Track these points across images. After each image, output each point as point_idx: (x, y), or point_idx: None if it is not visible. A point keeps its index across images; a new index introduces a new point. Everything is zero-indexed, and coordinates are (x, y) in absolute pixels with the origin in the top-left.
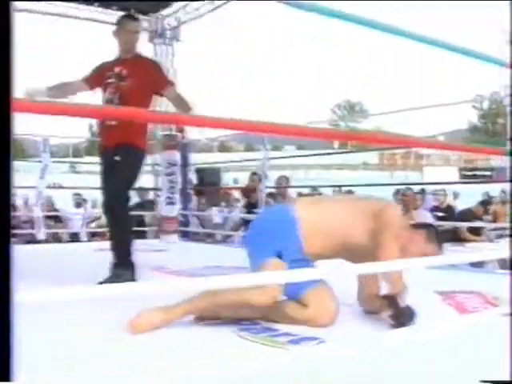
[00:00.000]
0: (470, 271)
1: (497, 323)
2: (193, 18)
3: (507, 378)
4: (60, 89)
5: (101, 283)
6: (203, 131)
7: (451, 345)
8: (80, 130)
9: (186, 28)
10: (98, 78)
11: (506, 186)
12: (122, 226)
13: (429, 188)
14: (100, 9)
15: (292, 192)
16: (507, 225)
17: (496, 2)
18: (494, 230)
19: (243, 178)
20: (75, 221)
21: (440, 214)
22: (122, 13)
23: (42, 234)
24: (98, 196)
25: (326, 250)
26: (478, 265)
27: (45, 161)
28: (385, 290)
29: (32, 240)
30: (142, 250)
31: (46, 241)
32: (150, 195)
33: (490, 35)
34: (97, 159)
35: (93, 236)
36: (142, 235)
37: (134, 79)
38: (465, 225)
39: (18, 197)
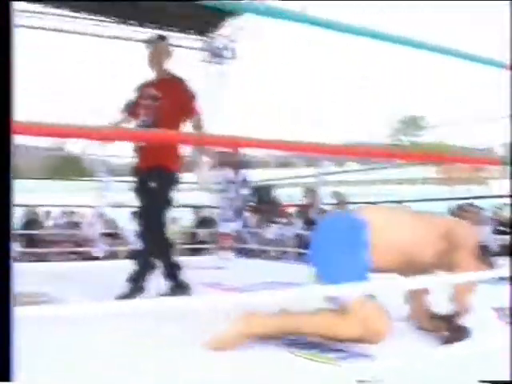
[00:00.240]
0: None
1: None
2: (247, 38)
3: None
4: None
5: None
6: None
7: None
8: None
9: (240, 47)
10: (135, 105)
11: None
12: (165, 250)
13: (487, 201)
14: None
15: (348, 208)
16: None
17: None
18: None
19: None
20: (133, 238)
21: (501, 228)
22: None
23: (100, 251)
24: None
25: (392, 264)
26: None
27: (105, 179)
28: (446, 307)
29: (90, 257)
30: (198, 267)
31: (104, 257)
32: (210, 212)
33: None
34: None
35: None
36: (199, 252)
37: (166, 100)
38: None
39: (79, 215)
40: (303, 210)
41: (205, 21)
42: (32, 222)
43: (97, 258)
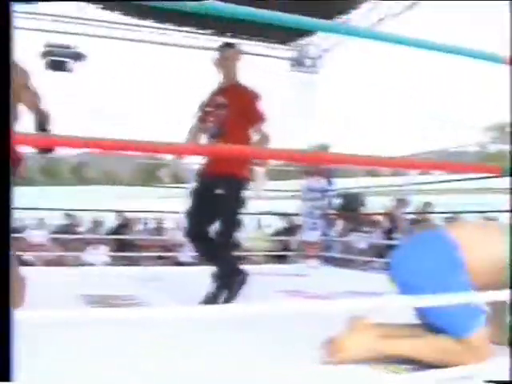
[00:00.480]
0: None
1: None
2: (334, 46)
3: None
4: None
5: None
6: None
7: None
8: None
9: (328, 56)
10: (204, 113)
11: None
12: (232, 266)
13: None
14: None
15: (435, 217)
16: None
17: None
18: None
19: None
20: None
21: None
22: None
23: (186, 256)
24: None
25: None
26: None
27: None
28: None
29: (177, 262)
30: (282, 275)
31: (192, 263)
32: (298, 220)
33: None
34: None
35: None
36: (285, 260)
37: (233, 108)
38: None
39: (169, 220)
40: (388, 218)
41: (289, 31)
42: (123, 226)
43: (184, 264)
